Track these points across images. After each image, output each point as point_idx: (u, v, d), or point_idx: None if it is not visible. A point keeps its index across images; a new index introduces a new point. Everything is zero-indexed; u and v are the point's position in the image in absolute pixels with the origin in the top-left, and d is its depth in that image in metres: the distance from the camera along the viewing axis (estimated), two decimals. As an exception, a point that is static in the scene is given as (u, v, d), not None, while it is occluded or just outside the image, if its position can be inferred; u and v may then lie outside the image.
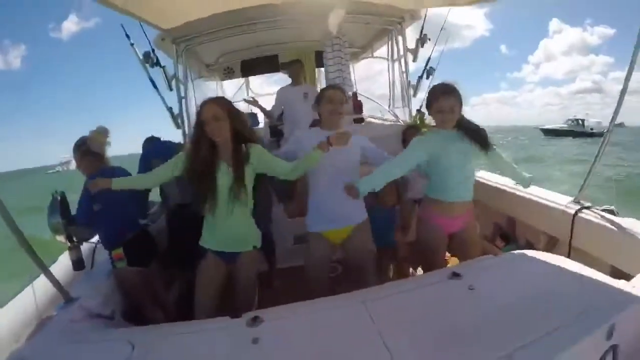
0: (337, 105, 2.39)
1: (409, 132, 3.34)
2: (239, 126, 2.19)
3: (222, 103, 2.19)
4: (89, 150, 2.69)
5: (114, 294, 2.56)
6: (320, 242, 2.46)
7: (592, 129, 47.15)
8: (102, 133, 2.72)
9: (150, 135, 3.66)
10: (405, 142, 3.24)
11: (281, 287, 3.42)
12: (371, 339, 1.47)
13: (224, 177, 2.15)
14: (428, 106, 2.41)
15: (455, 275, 1.85)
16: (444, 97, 2.28)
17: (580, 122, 49.49)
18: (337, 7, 3.86)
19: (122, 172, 2.79)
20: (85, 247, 2.79)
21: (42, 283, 2.54)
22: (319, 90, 4.51)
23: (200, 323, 1.83)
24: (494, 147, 2.34)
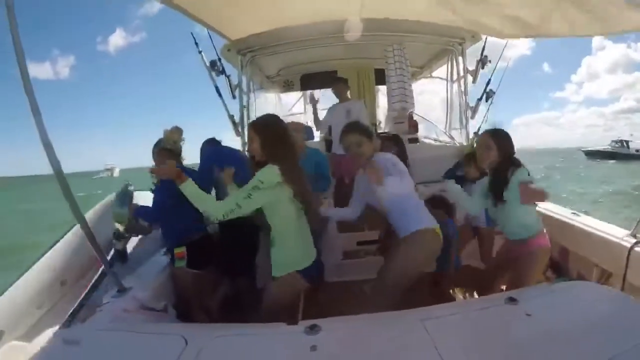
0: (354, 149, 2.39)
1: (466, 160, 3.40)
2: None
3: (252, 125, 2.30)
4: (164, 148, 2.77)
5: (165, 288, 2.63)
6: None
7: (637, 151, 44.86)
8: (175, 131, 2.83)
9: (210, 137, 3.62)
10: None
11: (327, 302, 3.42)
12: (428, 356, 1.45)
13: None
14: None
15: (512, 300, 1.81)
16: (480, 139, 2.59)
17: (625, 143, 47.06)
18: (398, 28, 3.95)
19: (192, 174, 2.78)
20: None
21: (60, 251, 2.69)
22: (364, 105, 4.56)
23: (255, 326, 1.83)
24: None
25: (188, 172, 2.77)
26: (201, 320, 2.66)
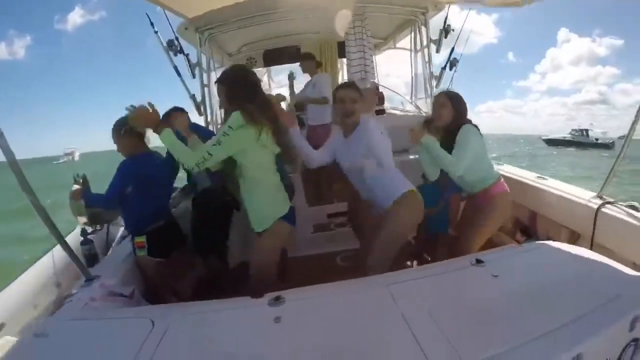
0: (348, 106, 2.37)
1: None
2: None
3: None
4: (132, 130, 2.57)
5: (134, 273, 2.61)
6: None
7: (596, 140, 45.97)
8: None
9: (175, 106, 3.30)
10: None
11: (298, 274, 3.43)
12: (394, 319, 1.47)
13: None
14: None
15: (478, 262, 1.85)
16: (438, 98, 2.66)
17: (584, 132, 48.26)
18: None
19: (162, 159, 2.80)
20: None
21: (57, 254, 2.67)
22: (328, 79, 4.56)
23: (220, 302, 1.83)
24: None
25: (156, 157, 2.75)
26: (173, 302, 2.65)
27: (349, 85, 2.48)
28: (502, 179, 2.68)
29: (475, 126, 2.54)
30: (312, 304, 1.71)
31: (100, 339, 1.62)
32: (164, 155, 2.84)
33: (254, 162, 2.14)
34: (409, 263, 3.27)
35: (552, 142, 50.50)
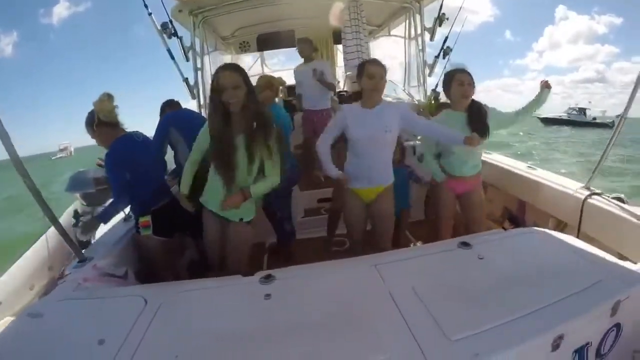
0: (378, 81, 2.39)
1: (441, 108, 3.55)
2: (252, 97, 2.18)
3: (239, 70, 2.16)
4: (102, 122, 2.52)
5: (127, 254, 2.63)
6: (354, 198, 2.61)
7: (594, 119, 45.10)
8: (106, 100, 2.56)
9: (169, 99, 3.52)
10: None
11: (289, 258, 3.49)
12: (381, 297, 1.52)
13: (239, 147, 2.17)
14: (446, 82, 2.64)
15: (465, 244, 1.90)
16: (462, 72, 2.56)
17: (582, 111, 47.18)
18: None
19: (143, 136, 2.78)
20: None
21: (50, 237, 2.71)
22: (329, 66, 4.57)
23: (212, 280, 1.88)
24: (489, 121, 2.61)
25: (136, 137, 2.72)
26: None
27: (379, 62, 2.49)
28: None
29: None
30: (301, 282, 1.75)
31: (94, 317, 1.65)
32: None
33: None
34: None
35: (548, 121, 48.79)
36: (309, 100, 4.60)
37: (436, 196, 2.87)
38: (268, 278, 1.71)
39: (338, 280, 1.73)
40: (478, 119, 2.57)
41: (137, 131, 2.78)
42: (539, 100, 2.63)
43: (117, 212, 2.75)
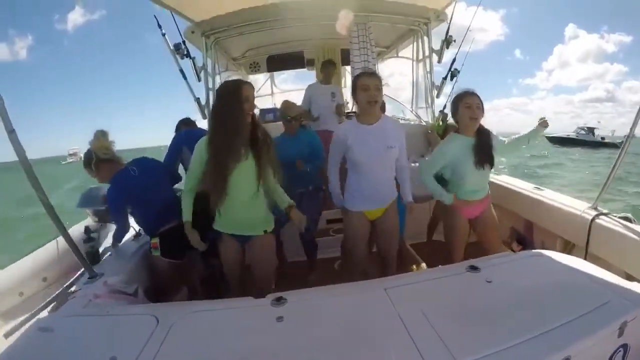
0: (373, 92, 2.32)
1: (450, 130, 3.68)
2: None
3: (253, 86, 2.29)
4: (101, 159, 2.60)
5: (138, 271, 2.66)
6: (361, 219, 2.59)
7: (602, 138, 44.45)
8: (101, 137, 2.64)
9: (185, 117, 3.65)
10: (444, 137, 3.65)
11: (298, 278, 3.49)
12: (391, 320, 1.52)
13: (242, 162, 2.21)
14: (454, 106, 2.62)
15: (473, 268, 1.90)
16: (471, 95, 2.54)
17: (590, 131, 46.27)
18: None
19: (141, 166, 2.76)
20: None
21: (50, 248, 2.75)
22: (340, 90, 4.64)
23: (224, 301, 1.88)
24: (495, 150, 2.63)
25: (136, 166, 2.74)
26: (181, 300, 2.78)
27: (372, 73, 2.46)
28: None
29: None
30: (313, 304, 1.76)
31: (105, 334, 1.66)
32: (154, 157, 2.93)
33: None
34: None
35: (556, 141, 47.71)
36: (326, 121, 4.67)
37: (448, 222, 2.81)
38: (279, 300, 1.72)
39: (350, 304, 1.73)
40: (484, 149, 2.56)
41: (136, 159, 2.82)
42: (531, 136, 2.68)
43: (122, 235, 2.87)
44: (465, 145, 2.56)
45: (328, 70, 4.80)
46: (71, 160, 62.72)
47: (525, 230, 3.51)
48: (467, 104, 2.54)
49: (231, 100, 2.15)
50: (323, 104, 4.71)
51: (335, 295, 1.84)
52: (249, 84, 2.23)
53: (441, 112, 4.67)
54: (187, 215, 2.40)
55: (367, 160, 2.41)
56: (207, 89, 4.48)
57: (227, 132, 2.15)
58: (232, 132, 2.16)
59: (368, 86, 2.32)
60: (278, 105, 5.42)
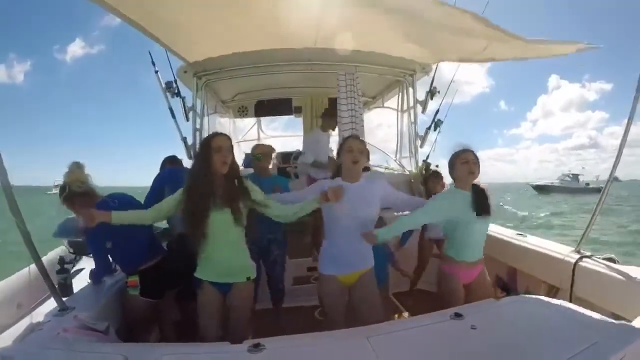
0: (356, 155, 2.49)
1: (431, 178, 3.92)
2: (235, 162, 2.39)
3: (229, 137, 2.41)
4: (75, 193, 2.55)
5: (111, 309, 2.54)
6: (334, 283, 2.56)
7: (587, 184, 45.24)
8: (76, 170, 2.61)
9: (172, 154, 3.65)
10: (427, 186, 3.99)
11: (276, 325, 3.40)
12: None
13: (218, 211, 2.26)
14: (451, 164, 2.69)
15: (458, 315, 1.88)
16: (467, 152, 2.62)
17: (575, 177, 47.20)
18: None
19: (120, 199, 2.72)
20: None
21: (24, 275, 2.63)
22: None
23: (199, 346, 1.82)
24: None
25: (112, 201, 2.68)
26: (151, 340, 2.68)
27: (357, 137, 2.68)
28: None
29: None
30: (291, 352, 1.70)
31: None
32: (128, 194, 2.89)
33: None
34: None
35: (541, 189, 48.72)
36: (321, 170, 4.65)
37: (446, 287, 2.71)
38: (257, 347, 1.65)
39: (330, 353, 1.68)
40: (481, 196, 2.58)
41: (113, 194, 2.76)
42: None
43: (100, 279, 2.77)
44: (466, 201, 2.57)
45: (330, 120, 4.87)
46: (56, 191, 62.00)
47: (509, 277, 3.51)
48: (464, 159, 2.60)
49: (201, 158, 2.31)
50: (322, 150, 4.82)
51: (316, 344, 1.79)
52: (223, 134, 2.39)
53: (424, 161, 4.75)
54: (120, 217, 2.32)
55: (343, 214, 2.45)
56: (195, 130, 4.51)
57: (200, 195, 2.25)
58: (204, 195, 2.26)
59: (352, 148, 2.50)
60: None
